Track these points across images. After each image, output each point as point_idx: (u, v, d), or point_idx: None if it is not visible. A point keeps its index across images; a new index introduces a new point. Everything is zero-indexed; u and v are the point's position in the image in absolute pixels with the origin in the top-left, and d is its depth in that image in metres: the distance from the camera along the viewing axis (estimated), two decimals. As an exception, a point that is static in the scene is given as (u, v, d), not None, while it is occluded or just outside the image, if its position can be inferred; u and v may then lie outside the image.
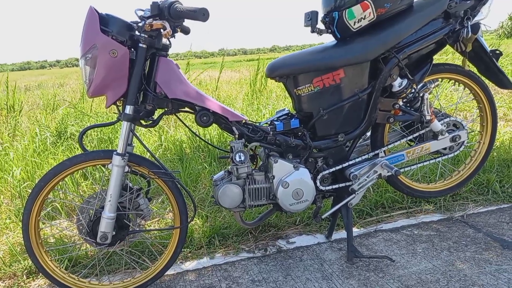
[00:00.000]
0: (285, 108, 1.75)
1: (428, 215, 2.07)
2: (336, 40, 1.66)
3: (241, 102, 5.10)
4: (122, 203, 1.52)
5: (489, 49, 1.73)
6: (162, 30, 1.32)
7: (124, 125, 1.41)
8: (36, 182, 1.46)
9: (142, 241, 1.84)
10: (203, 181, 2.57)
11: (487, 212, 2.05)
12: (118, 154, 1.40)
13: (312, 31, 1.64)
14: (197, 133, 3.29)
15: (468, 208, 2.10)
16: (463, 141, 1.73)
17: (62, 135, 3.65)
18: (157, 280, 1.60)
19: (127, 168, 1.44)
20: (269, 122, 1.70)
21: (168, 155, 3.11)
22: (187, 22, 1.58)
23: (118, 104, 1.47)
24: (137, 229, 1.57)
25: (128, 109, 1.39)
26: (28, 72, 42.61)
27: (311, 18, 1.62)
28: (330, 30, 1.64)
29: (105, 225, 1.43)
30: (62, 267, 1.72)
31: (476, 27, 1.57)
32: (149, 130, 3.70)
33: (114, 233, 1.47)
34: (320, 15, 1.65)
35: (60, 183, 1.53)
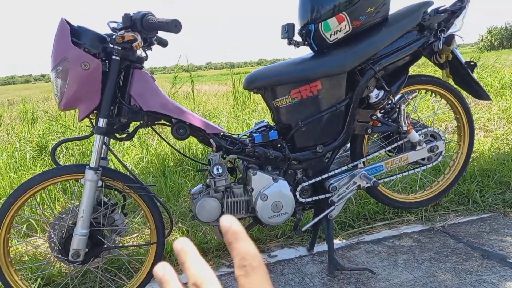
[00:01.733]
0: (264, 120, 1.75)
1: (409, 226, 2.07)
2: (313, 52, 1.66)
3: (227, 115, 5.10)
4: (96, 219, 1.48)
5: (464, 60, 1.76)
6: (134, 42, 1.31)
7: (97, 138, 1.37)
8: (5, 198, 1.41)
9: (119, 258, 1.79)
10: (185, 195, 2.53)
11: (467, 222, 2.06)
12: (91, 168, 1.37)
13: (289, 44, 1.64)
14: (177, 146, 3.25)
15: (449, 218, 2.10)
16: (441, 152, 1.74)
17: (43, 149, 3.58)
18: (133, 298, 1.55)
19: (100, 183, 1.41)
20: (248, 134, 1.69)
21: (151, 168, 3.06)
22: (167, 36, 1.58)
23: (91, 117, 1.44)
24: (112, 245, 1.52)
25: (101, 122, 1.36)
26: (13, 87, 42.04)
27: (287, 31, 1.62)
28: (307, 43, 1.64)
29: (77, 242, 1.39)
30: (35, 286, 1.66)
31: (449, 39, 1.59)
32: (133, 143, 3.65)
33: (87, 250, 1.42)
34: (297, 28, 1.66)
35: (31, 199, 1.48)
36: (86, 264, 1.48)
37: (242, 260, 0.24)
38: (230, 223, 0.25)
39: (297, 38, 1.67)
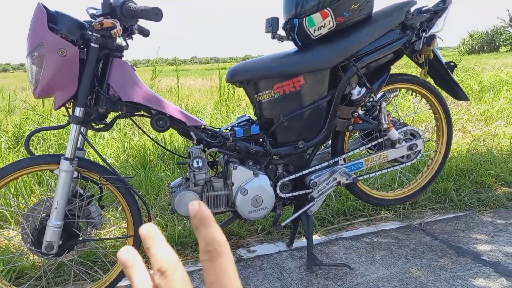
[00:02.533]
0: (246, 114, 1.73)
1: (388, 223, 2.09)
2: (297, 47, 1.66)
3: (211, 110, 5.06)
4: (71, 211, 1.44)
5: (444, 61, 1.78)
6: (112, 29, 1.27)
7: (73, 128, 1.34)
8: (-25, 188, 1.36)
9: (95, 251, 1.75)
10: (166, 188, 2.50)
11: (444, 220, 2.10)
12: (66, 158, 1.33)
13: (273, 38, 1.63)
14: (158, 138, 3.21)
15: (426, 216, 2.14)
16: (420, 150, 1.76)
17: (19, 140, 3.48)
18: (108, 292, 1.52)
19: (76, 174, 1.37)
20: (229, 128, 1.67)
21: (131, 161, 3.02)
22: (148, 25, 1.54)
23: (68, 106, 1.40)
24: (87, 238, 1.49)
25: (78, 112, 1.32)
26: (-10, 75, 40.71)
27: (271, 25, 1.61)
28: (290, 37, 1.64)
29: (51, 234, 1.35)
30: (7, 279, 1.61)
31: (430, 39, 1.61)
32: (113, 135, 3.59)
33: (61, 242, 1.39)
34: (281, 22, 1.65)
35: (3, 188, 1.43)
36: (60, 257, 1.44)
37: (207, 245, 0.24)
38: (199, 208, 0.25)
39: (281, 32, 1.66)
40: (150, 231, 0.25)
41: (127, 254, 0.25)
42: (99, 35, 1.29)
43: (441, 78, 1.83)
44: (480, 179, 2.49)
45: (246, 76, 1.58)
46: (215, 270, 0.23)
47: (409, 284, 1.54)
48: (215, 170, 1.67)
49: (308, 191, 1.64)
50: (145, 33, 1.59)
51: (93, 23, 1.28)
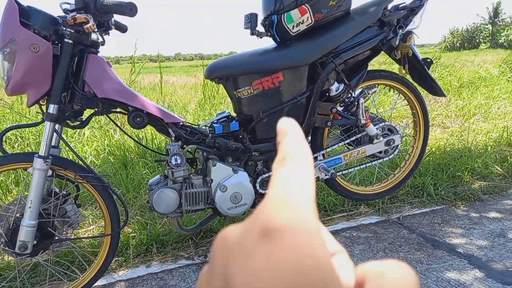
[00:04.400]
0: (225, 111, 1.73)
1: (367, 217, 2.12)
2: (276, 44, 1.66)
3: (194, 107, 5.03)
4: (46, 210, 1.41)
5: (421, 57, 1.81)
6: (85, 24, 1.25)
7: (47, 125, 1.31)
8: None
9: (72, 251, 1.72)
10: (146, 187, 2.47)
11: (421, 213, 2.14)
12: (40, 156, 1.30)
13: (252, 34, 1.63)
14: (140, 136, 3.18)
15: (404, 210, 2.18)
16: (397, 145, 1.79)
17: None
18: (86, 291, 1.50)
19: (50, 172, 1.35)
20: (208, 125, 1.67)
21: (112, 160, 2.97)
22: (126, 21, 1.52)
23: (42, 103, 1.37)
24: (63, 237, 1.46)
25: (52, 109, 1.29)
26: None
27: (250, 21, 1.61)
28: (269, 34, 1.64)
29: (25, 233, 1.32)
30: (-20, 281, 1.57)
31: (406, 36, 1.63)
32: (93, 133, 3.53)
33: (35, 242, 1.36)
34: (260, 18, 1.65)
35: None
36: (35, 257, 1.41)
37: (284, 153, 0.20)
38: (287, 124, 0.22)
39: (260, 28, 1.66)
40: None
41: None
42: (73, 31, 1.27)
43: (418, 74, 1.86)
44: (457, 173, 2.54)
45: (225, 73, 1.57)
46: (281, 173, 0.19)
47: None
48: (194, 167, 1.66)
49: (287, 187, 1.65)
50: (122, 28, 1.57)
51: (66, 18, 1.25)
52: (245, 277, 0.15)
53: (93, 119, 3.85)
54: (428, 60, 1.81)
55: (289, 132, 0.21)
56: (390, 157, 1.81)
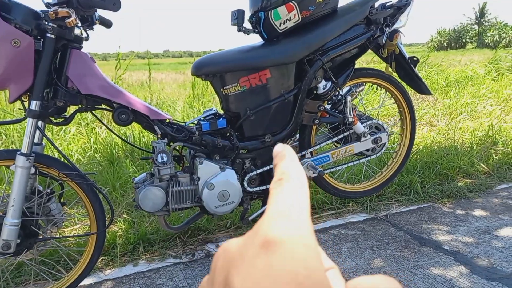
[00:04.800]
0: (212, 108, 1.72)
1: (355, 215, 2.13)
2: (263, 41, 1.65)
3: (182, 104, 4.99)
4: (30, 208, 1.38)
5: (408, 56, 1.82)
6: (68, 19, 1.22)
7: (29, 122, 1.28)
8: None
9: (57, 250, 1.70)
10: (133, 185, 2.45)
11: (408, 211, 2.16)
12: (22, 154, 1.27)
13: (239, 30, 1.62)
14: (127, 133, 3.14)
15: (391, 207, 2.19)
16: (384, 143, 1.80)
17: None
18: (70, 291, 1.47)
19: (33, 170, 1.32)
20: (195, 122, 1.65)
21: (98, 157, 2.94)
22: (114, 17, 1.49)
23: (24, 99, 1.34)
24: (48, 236, 1.44)
25: (34, 105, 1.27)
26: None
27: (237, 17, 1.60)
28: (256, 30, 1.63)
29: (8, 232, 1.29)
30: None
31: (393, 34, 1.64)
32: (80, 131, 3.48)
33: (19, 241, 1.33)
34: (247, 15, 1.64)
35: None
36: (19, 256, 1.39)
37: (281, 174, 0.22)
38: (282, 148, 0.24)
39: (247, 25, 1.65)
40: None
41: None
42: (55, 25, 1.24)
43: (405, 72, 1.87)
44: (444, 171, 2.57)
45: (212, 69, 1.56)
46: (278, 193, 0.20)
47: (373, 274, 1.57)
48: (181, 165, 1.64)
49: (275, 184, 1.65)
50: (107, 24, 1.54)
51: (48, 12, 1.22)
52: (245, 284, 0.16)
53: (79, 116, 3.80)
54: (415, 58, 1.82)
55: (286, 155, 0.23)
56: (378, 155, 1.82)
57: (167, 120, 1.52)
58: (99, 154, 3.00)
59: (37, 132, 1.34)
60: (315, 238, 0.18)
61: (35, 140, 1.35)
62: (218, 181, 1.51)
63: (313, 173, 1.64)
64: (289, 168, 0.22)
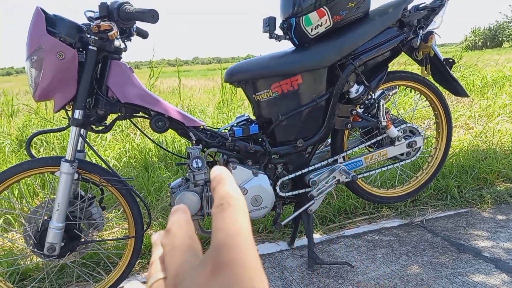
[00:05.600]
0: (245, 114, 1.74)
1: (389, 220, 2.09)
2: (294, 47, 1.66)
3: (212, 110, 5.07)
4: (73, 213, 1.45)
5: (443, 57, 1.78)
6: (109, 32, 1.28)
7: (73, 130, 1.35)
8: (-22, 191, 1.37)
9: (97, 253, 1.77)
10: (167, 189, 2.51)
11: (445, 216, 2.10)
12: (66, 160, 1.34)
13: (270, 37, 1.64)
14: (160, 139, 3.23)
15: (427, 213, 2.14)
16: (419, 147, 1.76)
17: (22, 143, 3.50)
18: (110, 292, 1.53)
19: (76, 176, 1.38)
20: (228, 128, 1.68)
21: (133, 163, 3.03)
22: (146, 27, 1.55)
23: (68, 108, 1.41)
24: (89, 239, 1.50)
25: (77, 114, 1.33)
26: (-6, 79, 40.90)
27: (269, 24, 1.62)
28: (288, 37, 1.64)
29: (53, 235, 1.36)
30: (10, 281, 1.63)
31: (427, 36, 1.61)
32: (115, 137, 3.61)
33: (63, 244, 1.40)
34: (279, 21, 1.65)
35: (5, 191, 1.44)
36: (62, 259, 1.45)
37: (221, 199, 0.23)
38: (220, 171, 0.25)
39: (279, 32, 1.67)
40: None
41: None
42: (97, 38, 1.31)
43: (440, 75, 1.83)
44: (482, 175, 2.48)
45: (244, 76, 1.58)
46: (223, 218, 0.22)
47: (410, 281, 1.54)
48: (215, 170, 1.67)
49: (307, 189, 1.65)
50: (143, 34, 1.60)
51: (90, 26, 1.29)
52: None
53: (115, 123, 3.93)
54: (450, 60, 1.78)
55: (223, 179, 0.25)
56: (412, 159, 1.78)
57: (201, 127, 1.56)
58: (134, 159, 3.10)
59: (80, 139, 1.41)
60: (260, 260, 0.21)
61: (78, 148, 1.42)
62: (251, 186, 1.53)
63: (346, 178, 1.63)
64: (228, 192, 0.23)
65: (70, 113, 1.41)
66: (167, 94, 7.50)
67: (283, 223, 1.68)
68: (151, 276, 0.24)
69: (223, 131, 1.66)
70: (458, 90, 1.86)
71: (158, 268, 0.24)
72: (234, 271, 0.19)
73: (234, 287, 0.19)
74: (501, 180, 2.50)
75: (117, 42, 1.42)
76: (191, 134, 1.51)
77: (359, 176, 1.71)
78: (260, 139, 1.63)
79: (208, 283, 0.20)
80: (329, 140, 1.81)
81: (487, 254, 1.70)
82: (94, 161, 2.60)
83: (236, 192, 0.24)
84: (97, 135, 3.48)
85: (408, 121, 1.80)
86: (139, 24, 1.54)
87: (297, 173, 1.65)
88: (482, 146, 2.98)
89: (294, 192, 1.65)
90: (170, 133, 3.25)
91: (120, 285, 1.55)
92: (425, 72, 1.73)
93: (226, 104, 5.13)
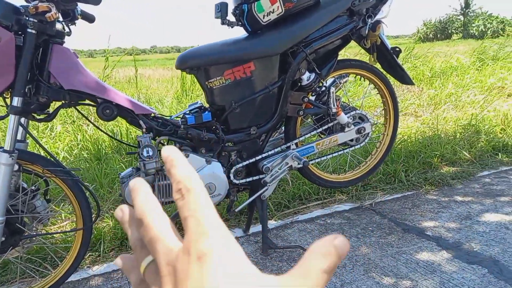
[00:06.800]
0: (198, 101, 1.72)
1: (341, 205, 2.17)
2: (247, 33, 1.66)
3: (171, 100, 4.97)
4: (15, 206, 1.38)
5: (390, 46, 1.85)
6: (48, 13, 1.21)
7: (12, 118, 1.27)
8: None
9: (43, 247, 1.69)
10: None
11: (393, 199, 2.20)
12: (4, 151, 1.27)
13: (222, 23, 1.62)
14: (114, 129, 3.13)
15: (376, 196, 2.23)
16: (368, 133, 1.83)
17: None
18: (58, 287, 1.48)
19: (17, 167, 1.31)
20: (181, 116, 1.66)
21: (85, 155, 2.92)
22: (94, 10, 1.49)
23: (6, 96, 1.33)
24: (33, 233, 1.44)
25: (16, 101, 1.26)
26: None
27: (220, 10, 1.60)
28: (240, 23, 1.63)
29: (-8, 230, 1.29)
30: None
31: (375, 25, 1.66)
32: (66, 129, 3.45)
33: (3, 239, 1.33)
34: (231, 7, 1.64)
35: None
36: (3, 254, 1.38)
37: (178, 184, 0.23)
38: (170, 152, 0.25)
39: (231, 18, 1.65)
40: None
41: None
42: (36, 20, 1.23)
43: (388, 63, 1.90)
44: (427, 160, 2.62)
45: (196, 62, 1.56)
46: (187, 205, 0.23)
47: (358, 261, 1.61)
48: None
49: (261, 176, 1.67)
50: (89, 18, 1.53)
51: (28, 8, 1.21)
52: None
53: (65, 114, 3.76)
54: (397, 49, 1.85)
55: (174, 160, 0.25)
56: (361, 144, 1.84)
57: (152, 115, 1.52)
58: (86, 151, 2.98)
59: (21, 129, 1.34)
60: (233, 237, 0.22)
61: (19, 137, 1.34)
62: (205, 174, 1.53)
63: (298, 164, 1.67)
64: (183, 175, 0.24)
65: (8, 100, 1.32)
66: (123, 84, 7.24)
67: (237, 209, 1.69)
68: (142, 260, 0.25)
69: (175, 118, 1.63)
70: (404, 78, 1.94)
71: (144, 251, 0.24)
72: (215, 255, 0.21)
73: (218, 268, 0.20)
74: (444, 164, 2.65)
75: (60, 26, 1.35)
76: (141, 122, 1.47)
77: (311, 162, 1.75)
78: (213, 127, 1.62)
79: (197, 269, 0.20)
80: (283, 127, 1.83)
81: (429, 233, 1.81)
82: (40, 153, 2.48)
83: (191, 172, 0.24)
84: (45, 126, 3.32)
85: (358, 108, 1.86)
86: (85, 7, 1.47)
87: (251, 160, 1.66)
88: (428, 132, 3.15)
89: (248, 179, 1.67)
90: (125, 123, 3.15)
91: (69, 279, 1.50)
92: (372, 60, 1.79)
93: (185, 94, 5.05)
